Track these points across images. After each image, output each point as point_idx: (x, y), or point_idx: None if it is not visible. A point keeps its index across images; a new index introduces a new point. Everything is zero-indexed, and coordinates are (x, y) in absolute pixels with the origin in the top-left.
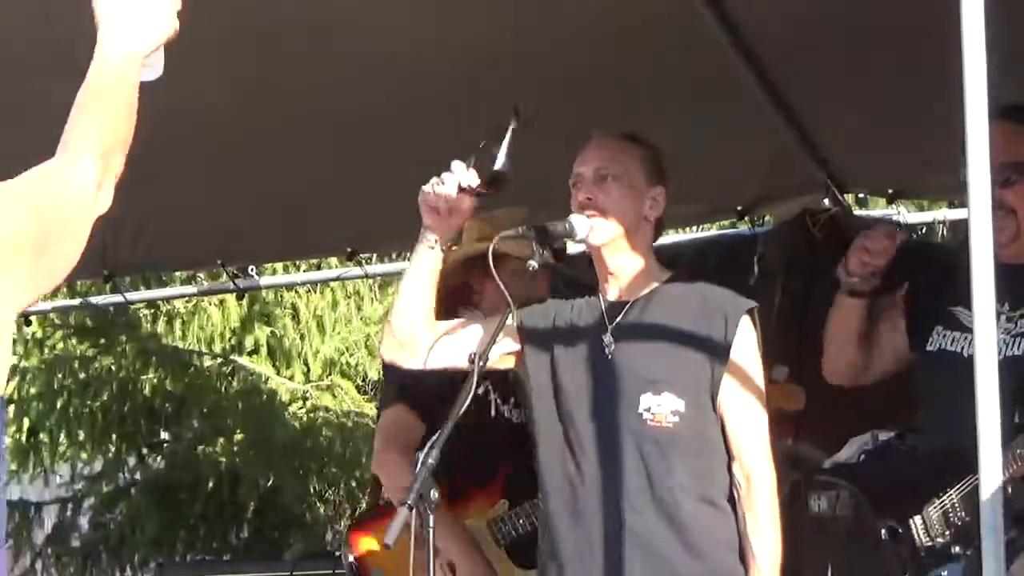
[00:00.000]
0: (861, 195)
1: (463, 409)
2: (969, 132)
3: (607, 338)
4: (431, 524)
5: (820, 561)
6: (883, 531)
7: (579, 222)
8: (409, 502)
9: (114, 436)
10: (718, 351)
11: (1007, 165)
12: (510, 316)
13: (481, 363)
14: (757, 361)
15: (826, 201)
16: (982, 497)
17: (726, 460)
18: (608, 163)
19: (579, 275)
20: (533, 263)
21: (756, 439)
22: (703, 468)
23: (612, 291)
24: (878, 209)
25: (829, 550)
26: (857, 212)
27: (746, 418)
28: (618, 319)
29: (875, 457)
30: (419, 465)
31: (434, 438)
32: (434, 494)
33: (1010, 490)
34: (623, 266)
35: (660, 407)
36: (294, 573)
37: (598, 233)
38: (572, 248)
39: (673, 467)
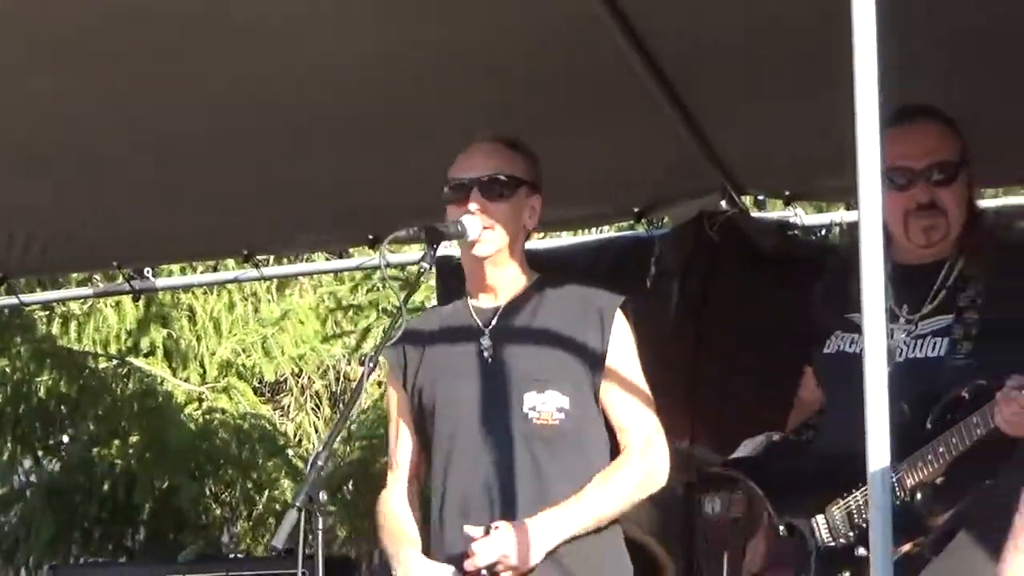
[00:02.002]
0: (760, 197)
1: (353, 410)
2: (859, 134)
3: (485, 342)
4: (320, 526)
5: (716, 561)
6: (781, 528)
7: (471, 223)
8: (298, 504)
9: (8, 438)
10: (596, 348)
11: (941, 164)
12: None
13: (371, 364)
14: (634, 353)
15: (723, 203)
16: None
17: (607, 459)
18: (498, 173)
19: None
20: (424, 264)
21: (646, 419)
22: (584, 466)
23: (483, 296)
24: (776, 211)
25: (725, 550)
26: (754, 214)
27: (631, 405)
28: (493, 322)
29: (771, 454)
30: (310, 466)
31: (324, 441)
32: (323, 496)
33: (919, 496)
34: (500, 274)
35: (545, 405)
36: (188, 575)
37: (486, 245)
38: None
39: (562, 464)
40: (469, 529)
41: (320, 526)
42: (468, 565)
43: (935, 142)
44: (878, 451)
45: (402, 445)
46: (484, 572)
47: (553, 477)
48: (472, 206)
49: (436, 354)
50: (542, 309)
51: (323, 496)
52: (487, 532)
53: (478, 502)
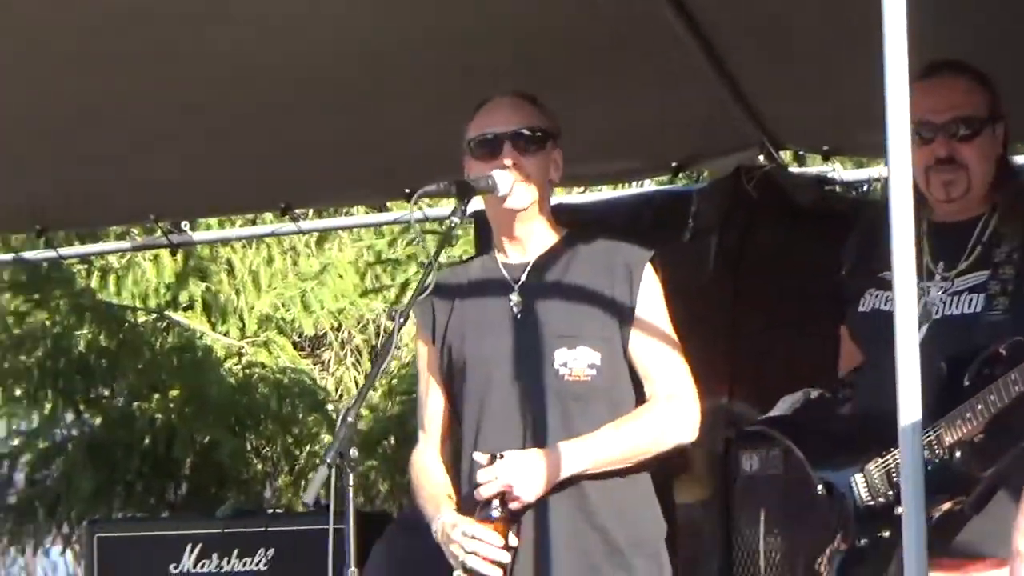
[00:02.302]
0: (799, 152)
1: (384, 366)
2: (889, 90)
3: (514, 298)
4: (350, 482)
5: (752, 519)
6: (819, 487)
7: (503, 178)
8: (328, 460)
9: (50, 392)
10: (625, 303)
11: (962, 119)
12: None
13: (402, 320)
14: (663, 307)
15: (761, 158)
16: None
17: None
18: (526, 127)
19: None
20: (455, 219)
21: (674, 369)
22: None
23: (512, 251)
24: (814, 167)
25: (762, 507)
26: (793, 169)
27: (659, 356)
28: (523, 278)
29: (809, 412)
30: (340, 422)
31: (354, 397)
32: (354, 452)
33: (958, 454)
34: (530, 228)
35: (576, 361)
36: (225, 531)
37: (519, 198)
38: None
39: (595, 421)
40: (476, 456)
41: (350, 482)
42: (476, 495)
43: (959, 96)
44: (909, 407)
45: (432, 404)
46: (496, 504)
47: (585, 433)
48: (506, 160)
49: (466, 309)
50: (572, 265)
51: (354, 452)
52: (492, 460)
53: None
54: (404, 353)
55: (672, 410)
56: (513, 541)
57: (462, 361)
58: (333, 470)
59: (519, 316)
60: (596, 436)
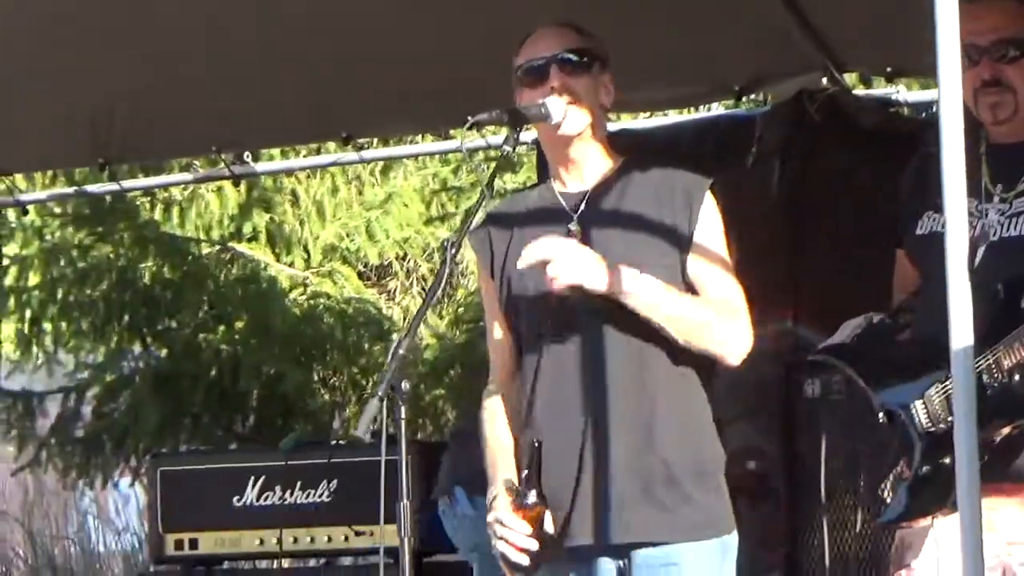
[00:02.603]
0: (865, 74)
1: (439, 292)
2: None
3: (573, 227)
4: (402, 416)
5: (814, 445)
6: (880, 414)
7: (555, 105)
8: (380, 393)
9: (116, 325)
10: (684, 230)
11: (1007, 41)
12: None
13: (453, 250)
14: (721, 234)
15: (824, 81)
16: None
17: None
18: (570, 50)
19: None
20: (507, 147)
21: (732, 294)
22: (679, 346)
23: (569, 180)
24: (879, 88)
25: (824, 433)
26: (856, 92)
27: (717, 282)
28: (581, 208)
29: (869, 338)
30: (391, 355)
31: (405, 328)
32: (405, 385)
33: (1017, 377)
34: (585, 155)
35: None
36: (288, 462)
37: (573, 122)
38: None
39: (655, 346)
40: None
41: (402, 415)
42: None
43: (1003, 18)
44: (961, 331)
45: (497, 341)
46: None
47: (649, 359)
48: (554, 83)
49: (524, 240)
50: (629, 192)
51: (405, 385)
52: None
53: (569, 387)
54: (471, 281)
55: (727, 320)
56: (549, 527)
57: (522, 294)
58: (384, 402)
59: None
60: (656, 280)
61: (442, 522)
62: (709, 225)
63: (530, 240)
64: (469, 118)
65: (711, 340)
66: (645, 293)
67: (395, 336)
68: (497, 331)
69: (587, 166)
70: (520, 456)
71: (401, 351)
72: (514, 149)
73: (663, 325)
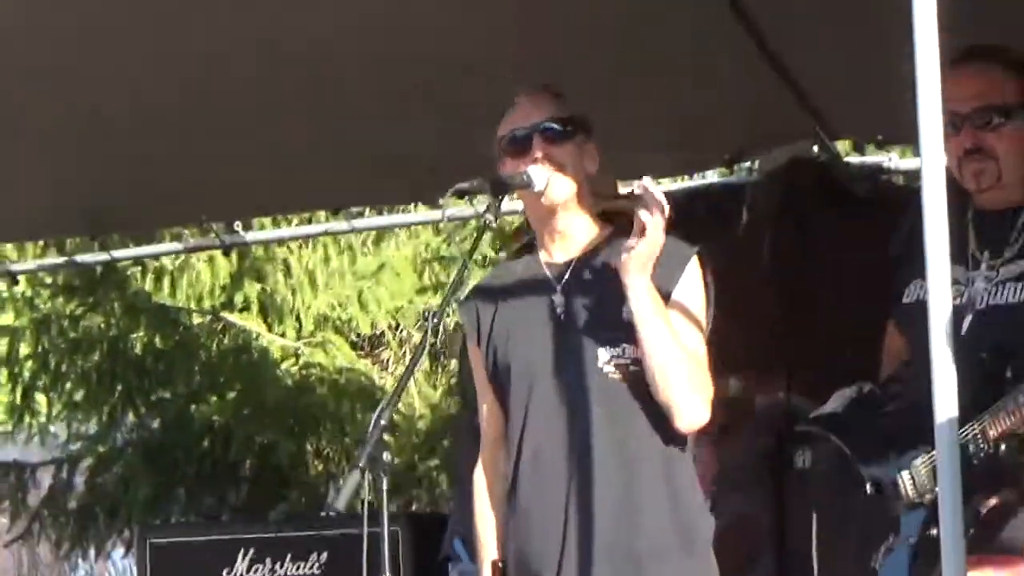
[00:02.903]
0: (858, 142)
1: (415, 367)
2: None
3: (557, 298)
4: (384, 487)
5: (805, 517)
6: (868, 485)
7: (537, 173)
8: (360, 465)
9: (108, 395)
10: (664, 290)
11: (989, 108)
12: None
13: (435, 320)
14: (700, 301)
15: (815, 148)
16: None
17: None
18: (553, 118)
19: None
20: (489, 216)
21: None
22: (662, 416)
23: (555, 250)
24: (870, 156)
25: (814, 505)
26: (849, 159)
27: (691, 340)
28: (566, 277)
29: (859, 408)
30: (372, 426)
31: (387, 399)
32: (387, 456)
33: (1003, 447)
34: (571, 224)
35: (620, 358)
36: (278, 535)
37: (558, 190)
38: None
39: (641, 417)
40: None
41: (384, 486)
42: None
43: (984, 85)
44: (944, 403)
45: (487, 410)
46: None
47: (633, 428)
48: (537, 153)
49: (509, 311)
50: (614, 262)
51: (387, 456)
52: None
53: (553, 456)
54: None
55: (699, 375)
56: None
57: (507, 363)
58: (366, 474)
59: (562, 316)
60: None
61: None
62: (689, 288)
63: (514, 311)
64: (449, 190)
65: (681, 383)
66: (656, 301)
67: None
68: (488, 399)
69: (573, 235)
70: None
71: (383, 422)
72: (496, 219)
73: (651, 339)
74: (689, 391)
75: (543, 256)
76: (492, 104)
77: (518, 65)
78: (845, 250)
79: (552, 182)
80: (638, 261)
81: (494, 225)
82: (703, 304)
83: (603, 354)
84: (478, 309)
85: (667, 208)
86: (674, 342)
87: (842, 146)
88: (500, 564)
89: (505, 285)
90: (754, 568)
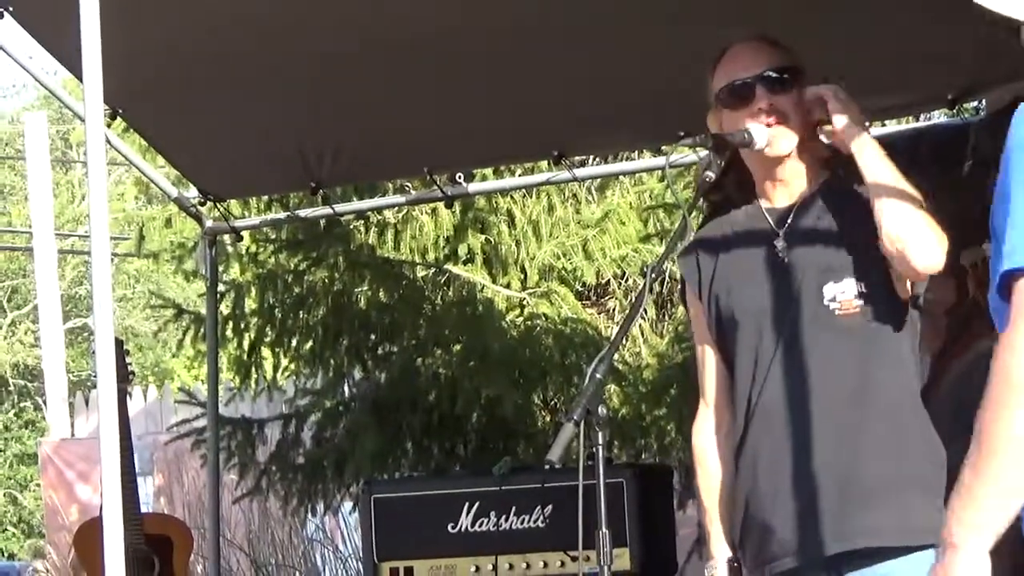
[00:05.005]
0: None
1: (635, 321)
2: None
3: (779, 243)
4: (599, 441)
5: None
6: None
7: (758, 131)
8: (575, 418)
9: (334, 350)
10: None
11: None
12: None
13: (653, 275)
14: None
15: None
16: None
17: (917, 340)
18: (776, 67)
19: None
20: (710, 173)
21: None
22: (896, 347)
23: (776, 197)
24: None
25: None
26: None
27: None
28: (788, 223)
29: None
30: (587, 379)
31: (602, 352)
32: (602, 410)
33: None
34: (793, 173)
35: (844, 294)
36: (502, 487)
37: (782, 143)
38: None
39: (870, 354)
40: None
41: (599, 440)
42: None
43: None
44: None
45: (708, 367)
46: None
47: (872, 365)
48: (761, 104)
49: (730, 260)
50: (835, 205)
51: (601, 410)
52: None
53: (785, 398)
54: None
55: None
56: None
57: (731, 313)
58: (580, 427)
59: (785, 260)
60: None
61: None
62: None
63: (736, 260)
64: (681, 133)
65: (916, 220)
66: (884, 155)
67: (615, 356)
68: (709, 356)
69: (795, 181)
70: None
71: (598, 375)
72: (716, 176)
73: (880, 180)
74: (925, 228)
75: (763, 203)
76: (704, 47)
77: (732, 9)
78: None
79: (775, 137)
80: (846, 121)
81: (713, 180)
82: None
83: (828, 291)
84: (699, 260)
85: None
86: (906, 185)
87: None
88: (735, 564)
89: (726, 235)
90: None
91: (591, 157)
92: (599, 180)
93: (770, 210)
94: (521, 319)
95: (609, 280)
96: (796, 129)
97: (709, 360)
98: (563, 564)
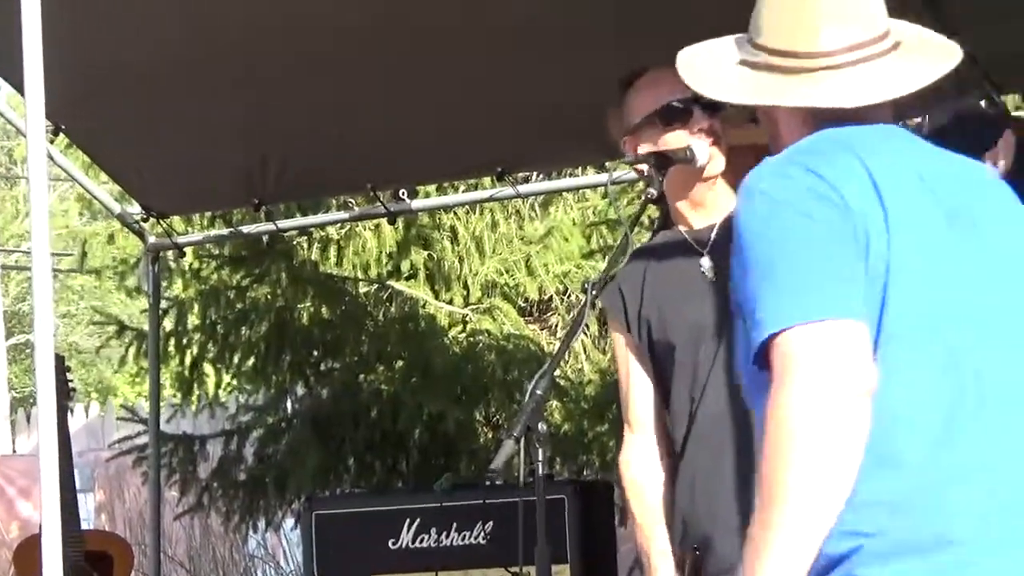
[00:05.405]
0: None
1: (576, 337)
2: None
3: (705, 262)
4: (539, 458)
5: None
6: None
7: (700, 148)
8: (516, 434)
9: (276, 366)
10: None
11: None
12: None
13: (594, 292)
14: None
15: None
16: None
17: None
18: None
19: None
20: (651, 191)
21: None
22: None
23: (695, 219)
24: None
25: None
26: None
27: None
28: (710, 241)
29: None
30: (528, 395)
31: (543, 368)
32: (542, 427)
33: None
34: (716, 194)
35: None
36: (443, 504)
37: (717, 163)
38: None
39: None
40: None
41: (540, 457)
42: None
43: None
44: None
45: (638, 393)
46: None
47: None
48: (701, 124)
49: (657, 284)
50: None
51: (542, 427)
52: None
53: (725, 421)
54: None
55: None
56: None
57: (664, 336)
58: (521, 444)
59: (713, 279)
60: None
61: None
62: None
63: (663, 284)
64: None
65: None
66: None
67: (556, 372)
68: (638, 382)
69: (717, 203)
70: (672, 533)
71: (539, 392)
72: (657, 193)
73: None
74: None
75: (682, 228)
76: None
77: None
78: None
79: (714, 156)
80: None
81: (654, 196)
82: None
83: None
84: (623, 291)
85: None
86: None
87: (1010, 100)
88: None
89: (647, 263)
90: None
91: (535, 173)
92: (542, 196)
93: (689, 232)
94: (463, 335)
95: (551, 296)
96: (725, 151)
97: (639, 387)
98: None
